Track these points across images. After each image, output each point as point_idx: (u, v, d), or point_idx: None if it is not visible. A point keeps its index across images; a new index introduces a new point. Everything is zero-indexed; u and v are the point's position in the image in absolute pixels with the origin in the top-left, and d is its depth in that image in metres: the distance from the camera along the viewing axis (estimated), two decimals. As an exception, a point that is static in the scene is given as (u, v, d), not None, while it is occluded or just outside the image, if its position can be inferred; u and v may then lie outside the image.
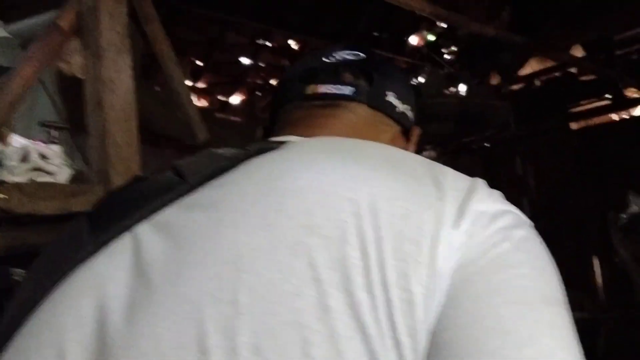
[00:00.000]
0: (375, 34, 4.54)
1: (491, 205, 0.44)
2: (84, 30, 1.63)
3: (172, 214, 0.47)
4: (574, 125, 4.59)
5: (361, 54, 0.70)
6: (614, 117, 4.58)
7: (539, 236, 0.46)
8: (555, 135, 4.51)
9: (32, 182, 1.52)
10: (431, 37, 4.22)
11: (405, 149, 0.70)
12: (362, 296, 0.38)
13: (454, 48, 4.23)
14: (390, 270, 0.39)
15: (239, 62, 4.01)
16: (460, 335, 0.38)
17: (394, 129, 0.69)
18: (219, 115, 3.88)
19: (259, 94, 4.53)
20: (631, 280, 3.56)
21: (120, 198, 0.51)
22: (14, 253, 1.53)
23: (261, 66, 4.34)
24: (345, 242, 0.40)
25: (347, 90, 0.65)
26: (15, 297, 0.48)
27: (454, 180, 0.46)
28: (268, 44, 4.22)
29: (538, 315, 0.39)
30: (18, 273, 1.46)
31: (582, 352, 0.40)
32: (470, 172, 0.49)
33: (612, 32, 3.89)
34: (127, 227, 0.47)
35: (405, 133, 0.71)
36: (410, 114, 0.71)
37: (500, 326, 0.38)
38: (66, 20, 1.62)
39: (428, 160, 0.51)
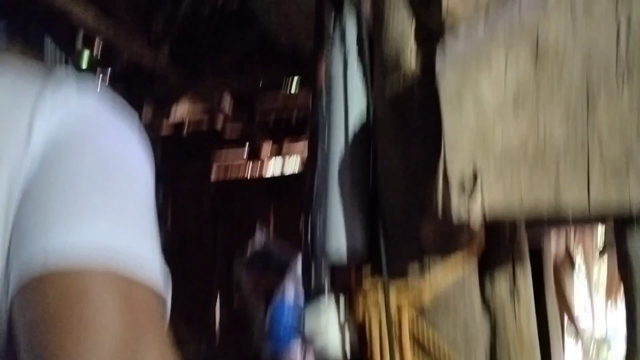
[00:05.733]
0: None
1: (82, 91, 0.53)
2: None
3: None
4: (213, 175, 4.93)
5: None
6: (248, 171, 5.07)
7: (132, 128, 0.54)
8: (195, 182, 4.78)
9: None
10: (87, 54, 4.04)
11: None
12: None
13: (109, 69, 4.14)
14: None
15: None
16: (35, 190, 0.47)
17: None
18: None
19: None
20: (249, 317, 3.89)
21: None
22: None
23: None
24: None
25: None
26: None
27: (56, 79, 0.54)
28: None
29: (99, 181, 0.48)
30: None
31: (152, 227, 0.48)
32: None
33: (255, 90, 4.39)
34: None
35: None
36: None
37: (69, 184, 0.47)
38: None
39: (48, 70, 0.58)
